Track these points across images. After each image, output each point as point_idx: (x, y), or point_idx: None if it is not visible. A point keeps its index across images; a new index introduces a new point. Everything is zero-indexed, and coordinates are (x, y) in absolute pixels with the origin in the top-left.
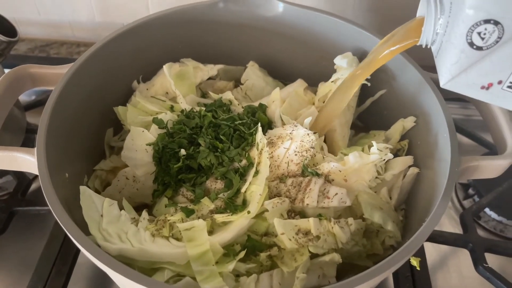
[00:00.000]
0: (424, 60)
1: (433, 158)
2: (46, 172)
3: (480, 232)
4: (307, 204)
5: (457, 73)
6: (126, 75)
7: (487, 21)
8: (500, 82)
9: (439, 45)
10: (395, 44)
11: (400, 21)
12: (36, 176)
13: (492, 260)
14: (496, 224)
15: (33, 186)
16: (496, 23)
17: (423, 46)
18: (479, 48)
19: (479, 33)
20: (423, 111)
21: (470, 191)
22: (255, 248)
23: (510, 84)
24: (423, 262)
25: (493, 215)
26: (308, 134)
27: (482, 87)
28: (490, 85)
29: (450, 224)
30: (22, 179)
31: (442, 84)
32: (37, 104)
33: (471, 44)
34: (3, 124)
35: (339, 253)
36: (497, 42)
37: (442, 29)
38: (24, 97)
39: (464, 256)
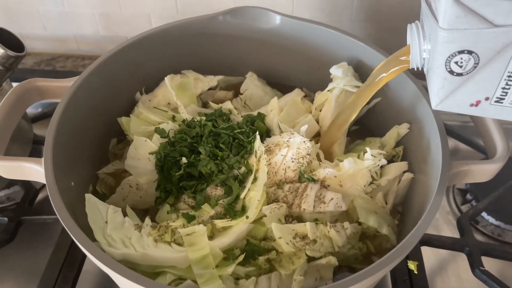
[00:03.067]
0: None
1: (426, 163)
2: (53, 181)
3: (478, 237)
4: (304, 209)
5: (444, 96)
6: (129, 87)
7: (461, 52)
8: (487, 99)
9: (427, 69)
10: (389, 70)
11: (396, 32)
12: (42, 186)
13: (491, 264)
14: (494, 228)
15: (40, 196)
16: (470, 52)
17: (415, 69)
18: (460, 74)
19: (456, 62)
20: (416, 118)
21: (468, 196)
22: (254, 252)
23: (497, 99)
24: (420, 266)
25: (491, 219)
26: (304, 141)
27: (471, 105)
28: (478, 102)
29: (448, 229)
30: (29, 189)
31: (433, 107)
32: (44, 116)
33: (451, 72)
34: (12, 135)
35: (336, 256)
36: (475, 67)
37: (427, 54)
38: (31, 110)
39: (462, 261)
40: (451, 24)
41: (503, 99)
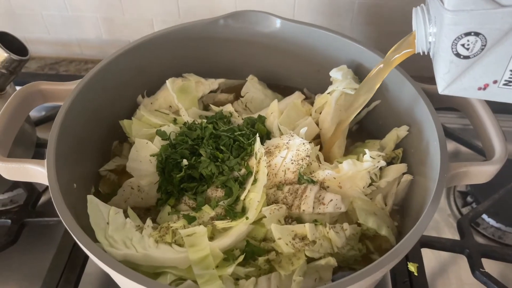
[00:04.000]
0: (417, 71)
1: (425, 165)
2: (55, 183)
3: (479, 239)
4: (303, 210)
5: (451, 80)
6: (131, 90)
7: (467, 34)
8: (495, 82)
9: (433, 53)
10: (398, 53)
11: (397, 35)
12: (45, 189)
13: (491, 266)
14: (495, 230)
15: (43, 198)
16: (477, 34)
17: (421, 54)
18: (466, 57)
19: (462, 45)
20: (415, 120)
21: (469, 198)
22: (253, 252)
23: (505, 82)
24: (421, 268)
25: (492, 221)
26: (303, 143)
27: (479, 88)
28: (486, 85)
29: (449, 232)
30: (32, 191)
31: (439, 91)
32: (47, 120)
33: (458, 55)
34: (15, 138)
35: (335, 257)
36: (482, 49)
37: (433, 38)
38: (34, 113)
39: (463, 263)
40: (457, 5)
41: None
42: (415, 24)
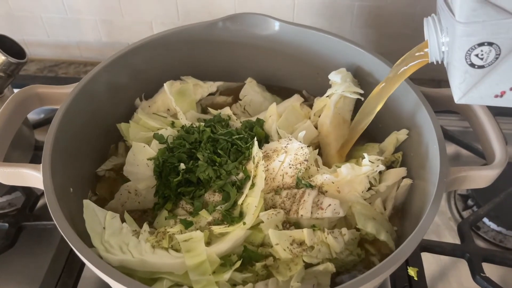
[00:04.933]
0: (416, 74)
1: (424, 169)
2: (51, 187)
3: (480, 243)
4: (302, 215)
5: (467, 90)
6: (129, 93)
7: (481, 44)
8: None
9: (447, 62)
10: (408, 64)
11: (396, 37)
12: (43, 193)
13: (492, 270)
14: (496, 234)
15: (41, 202)
16: (490, 43)
17: (435, 63)
18: (481, 67)
19: (476, 55)
20: (415, 124)
21: (469, 202)
22: (251, 258)
23: None
24: (420, 273)
25: (492, 225)
26: (302, 147)
27: (496, 96)
28: (503, 92)
29: (450, 235)
30: (30, 195)
31: (456, 100)
32: (45, 122)
33: (472, 65)
34: (13, 141)
35: (334, 262)
36: (497, 58)
37: (446, 47)
38: (32, 116)
39: (463, 267)
40: (468, 17)
41: None
42: (427, 34)
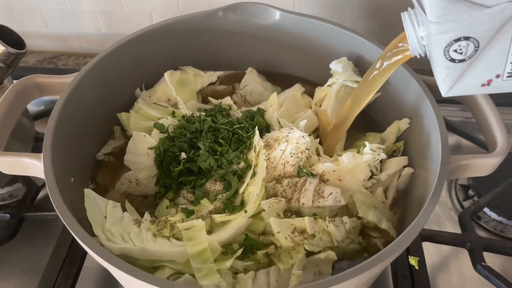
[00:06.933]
0: (418, 64)
1: (426, 158)
2: (52, 176)
3: (481, 233)
4: (303, 204)
5: (452, 84)
6: (129, 83)
7: (457, 40)
8: (498, 76)
9: (429, 55)
10: (392, 59)
11: (397, 27)
12: (44, 184)
13: (492, 259)
14: (496, 224)
15: (42, 193)
16: (467, 38)
17: (418, 57)
18: (462, 61)
19: (455, 50)
20: (417, 113)
21: (470, 192)
22: (252, 246)
23: (509, 74)
24: (422, 262)
25: (493, 215)
26: (303, 136)
27: (483, 85)
28: (490, 81)
29: (450, 225)
30: (31, 186)
31: (443, 95)
32: (46, 114)
33: (452, 60)
34: (13, 133)
35: (335, 251)
36: (476, 50)
37: (426, 41)
38: (33, 107)
39: (464, 257)
40: (440, 16)
41: None
42: (406, 29)
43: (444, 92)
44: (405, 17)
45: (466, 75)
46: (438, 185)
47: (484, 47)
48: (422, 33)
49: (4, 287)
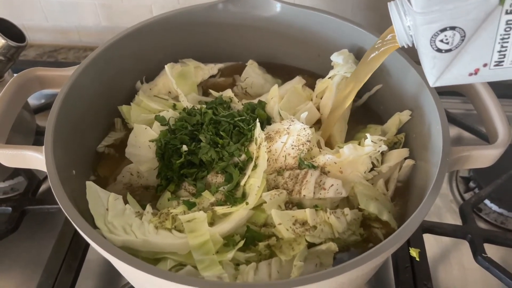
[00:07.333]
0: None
1: (427, 149)
2: (53, 169)
3: (482, 225)
4: (304, 196)
5: (439, 74)
6: (130, 76)
7: (443, 30)
8: (485, 65)
9: (417, 46)
10: (380, 49)
11: None
12: (46, 177)
13: (493, 251)
14: (497, 216)
15: (43, 186)
16: (453, 28)
17: (406, 47)
18: (448, 50)
19: (441, 40)
20: (418, 105)
21: (471, 184)
22: (254, 238)
23: (496, 63)
24: (422, 254)
25: (494, 207)
26: (304, 128)
27: (470, 74)
28: (477, 70)
29: (451, 218)
30: (33, 179)
31: (431, 85)
32: (46, 107)
33: (439, 50)
34: (14, 126)
35: (336, 242)
36: (462, 40)
37: (413, 31)
38: (33, 101)
39: (465, 249)
40: (425, 6)
41: (502, 61)
42: (392, 19)
43: (432, 82)
44: (391, 7)
45: (453, 65)
46: (439, 176)
47: (471, 36)
48: (408, 23)
49: (6, 281)
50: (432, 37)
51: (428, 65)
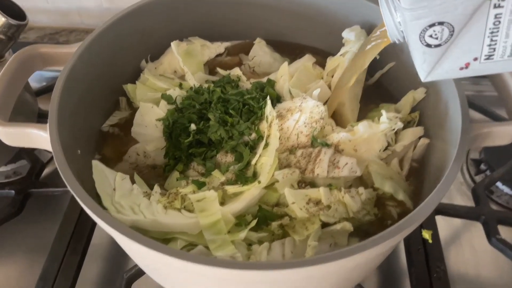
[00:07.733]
0: None
1: (443, 128)
2: (59, 147)
3: (493, 207)
4: (318, 174)
5: (430, 68)
6: (135, 54)
7: (432, 25)
8: (476, 59)
9: (407, 41)
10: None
11: None
12: (49, 160)
13: (506, 233)
14: (509, 198)
15: (47, 170)
16: (441, 23)
17: (397, 42)
18: (438, 45)
19: (430, 36)
20: (432, 82)
21: (482, 166)
22: (266, 218)
23: (486, 57)
24: (435, 235)
25: (506, 189)
26: (317, 105)
27: (461, 68)
28: (468, 64)
29: (462, 200)
30: (36, 162)
31: (422, 80)
32: (48, 90)
33: (428, 45)
34: (16, 108)
35: (351, 222)
36: (451, 35)
37: (403, 26)
38: (35, 83)
39: (477, 231)
40: (413, 2)
41: (493, 55)
42: (383, 15)
43: (423, 77)
44: (382, 3)
45: (444, 60)
46: (458, 154)
47: (460, 31)
48: (399, 18)
49: (11, 265)
50: (421, 32)
51: (419, 60)
